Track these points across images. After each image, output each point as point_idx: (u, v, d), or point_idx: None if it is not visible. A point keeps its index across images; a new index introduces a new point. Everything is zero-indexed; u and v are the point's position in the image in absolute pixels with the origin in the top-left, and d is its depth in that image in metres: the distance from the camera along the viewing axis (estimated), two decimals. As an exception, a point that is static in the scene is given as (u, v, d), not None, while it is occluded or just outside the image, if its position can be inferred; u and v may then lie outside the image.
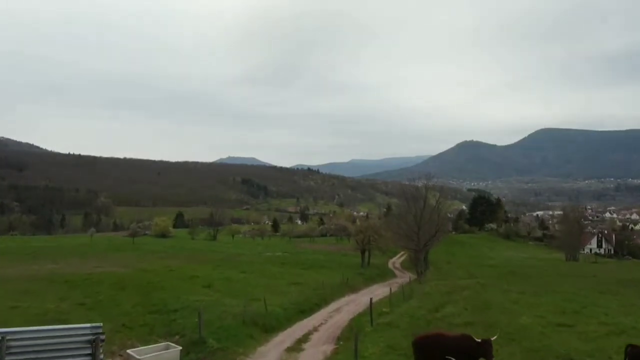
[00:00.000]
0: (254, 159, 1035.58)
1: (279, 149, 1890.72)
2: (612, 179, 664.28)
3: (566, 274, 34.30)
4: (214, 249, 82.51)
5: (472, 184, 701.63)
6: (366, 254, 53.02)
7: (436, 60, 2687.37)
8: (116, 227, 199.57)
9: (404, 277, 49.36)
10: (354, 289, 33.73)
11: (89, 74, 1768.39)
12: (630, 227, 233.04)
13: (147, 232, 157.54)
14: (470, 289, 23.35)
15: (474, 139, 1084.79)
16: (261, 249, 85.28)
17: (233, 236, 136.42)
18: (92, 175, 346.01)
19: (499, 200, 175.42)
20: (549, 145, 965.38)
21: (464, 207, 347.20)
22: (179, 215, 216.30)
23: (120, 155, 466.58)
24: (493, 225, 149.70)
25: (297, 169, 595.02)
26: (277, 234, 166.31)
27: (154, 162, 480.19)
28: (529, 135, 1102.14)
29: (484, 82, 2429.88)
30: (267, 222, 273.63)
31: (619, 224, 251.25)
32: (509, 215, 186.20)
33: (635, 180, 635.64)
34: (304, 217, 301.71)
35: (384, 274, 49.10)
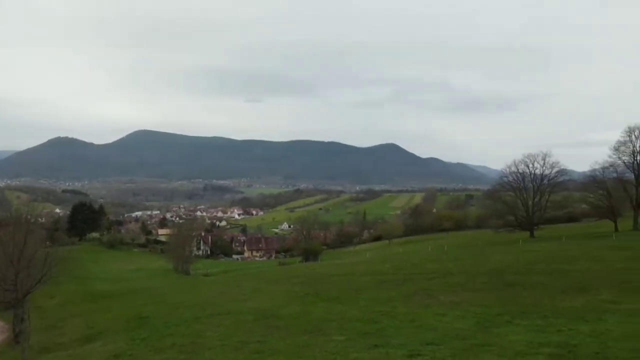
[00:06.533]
0: None
1: None
2: (201, 180, 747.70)
3: (246, 318, 27.06)
4: None
5: (68, 184, 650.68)
6: None
7: (38, 47, 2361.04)
8: None
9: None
10: None
11: None
12: (217, 225, 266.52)
13: None
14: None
15: (69, 136, 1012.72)
16: None
17: None
18: None
19: (102, 207, 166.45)
20: (148, 146, 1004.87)
21: (57, 209, 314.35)
22: None
23: None
24: (96, 234, 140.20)
25: None
26: None
27: None
28: (127, 136, 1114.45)
29: (90, 78, 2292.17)
30: None
31: (208, 221, 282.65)
32: (111, 219, 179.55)
33: (220, 181, 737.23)
34: None
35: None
